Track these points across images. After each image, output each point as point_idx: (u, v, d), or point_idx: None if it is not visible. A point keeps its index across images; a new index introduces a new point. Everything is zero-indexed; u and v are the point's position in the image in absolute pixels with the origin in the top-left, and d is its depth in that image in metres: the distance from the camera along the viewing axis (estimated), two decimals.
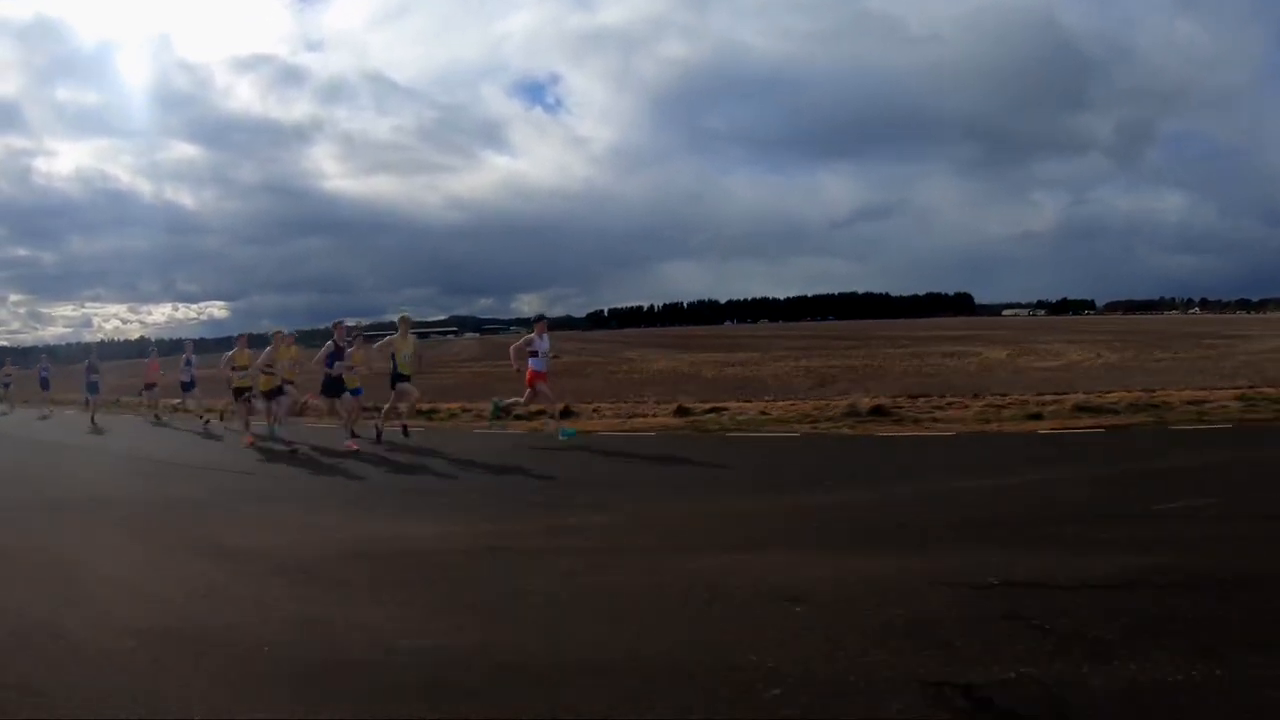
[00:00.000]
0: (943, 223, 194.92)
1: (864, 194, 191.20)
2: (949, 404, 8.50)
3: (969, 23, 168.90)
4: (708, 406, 9.35)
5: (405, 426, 8.85)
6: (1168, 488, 4.43)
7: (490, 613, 3.02)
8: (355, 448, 8.05)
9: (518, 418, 9.20)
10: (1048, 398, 8.57)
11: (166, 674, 2.56)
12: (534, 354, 8.25)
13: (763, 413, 8.74)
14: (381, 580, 3.50)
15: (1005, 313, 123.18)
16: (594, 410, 9.88)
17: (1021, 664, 2.26)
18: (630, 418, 9.17)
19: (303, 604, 3.23)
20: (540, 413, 9.01)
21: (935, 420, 7.66)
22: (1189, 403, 7.67)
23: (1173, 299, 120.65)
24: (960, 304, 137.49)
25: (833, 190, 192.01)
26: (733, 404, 9.74)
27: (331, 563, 3.83)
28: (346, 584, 3.48)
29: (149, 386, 14.28)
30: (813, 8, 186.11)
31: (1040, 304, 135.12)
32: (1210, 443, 6.14)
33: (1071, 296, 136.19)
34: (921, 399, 8.99)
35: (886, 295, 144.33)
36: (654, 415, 9.19)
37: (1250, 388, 8.54)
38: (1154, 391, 8.66)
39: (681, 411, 8.96)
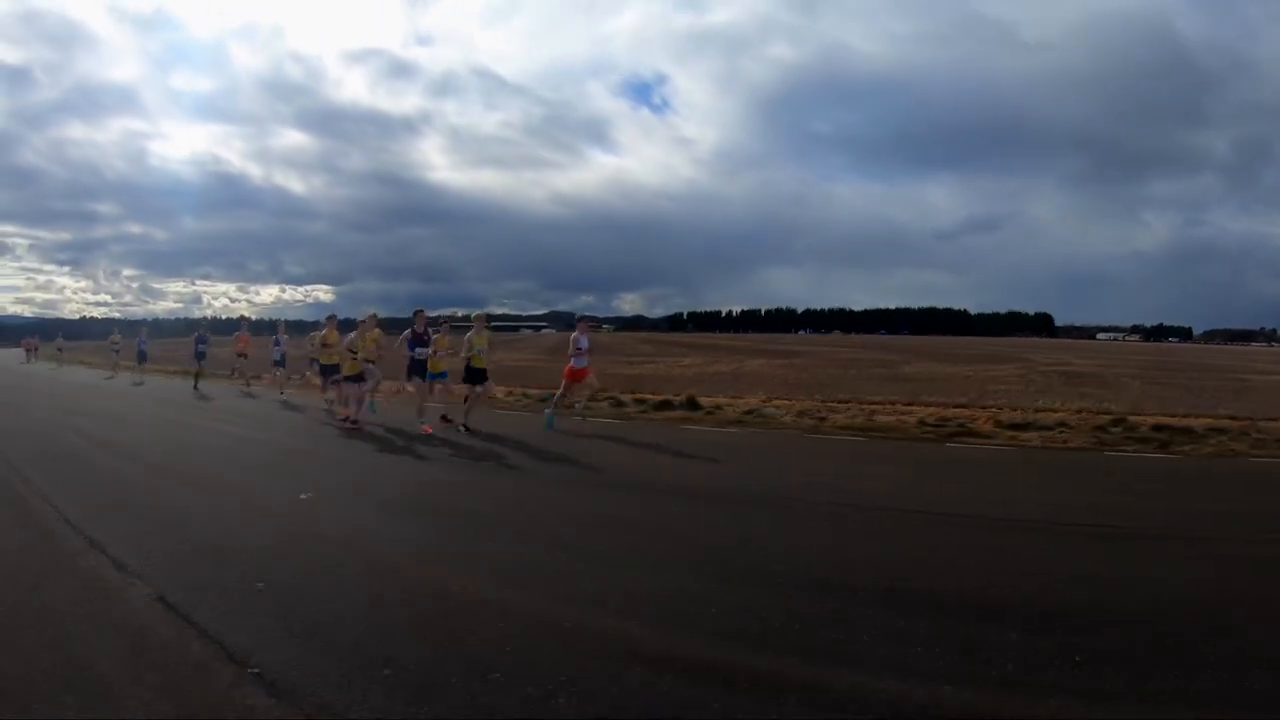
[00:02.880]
0: (1046, 238, 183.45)
1: (967, 206, 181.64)
2: None
3: (1083, 30, 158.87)
4: None
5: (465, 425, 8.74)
6: None
7: None
8: (430, 431, 8.41)
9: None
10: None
11: None
12: (579, 351, 9.18)
13: None
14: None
15: (1100, 336, 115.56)
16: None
17: None
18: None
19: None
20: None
21: None
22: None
23: (1273, 329, 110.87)
24: (1039, 324, 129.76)
25: (935, 201, 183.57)
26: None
27: None
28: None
29: (239, 356, 16.40)
30: (922, 11, 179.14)
31: (1135, 329, 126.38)
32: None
33: (1170, 322, 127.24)
34: None
35: (965, 312, 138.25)
36: None
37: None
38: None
39: None
